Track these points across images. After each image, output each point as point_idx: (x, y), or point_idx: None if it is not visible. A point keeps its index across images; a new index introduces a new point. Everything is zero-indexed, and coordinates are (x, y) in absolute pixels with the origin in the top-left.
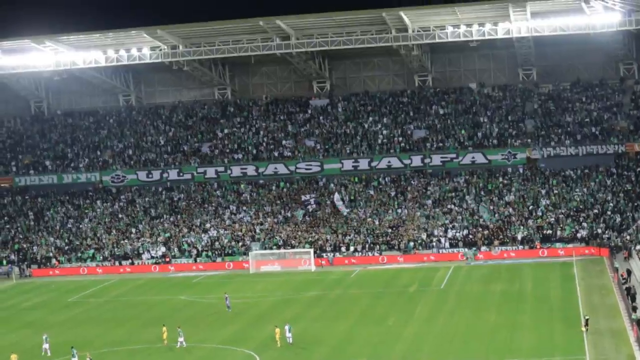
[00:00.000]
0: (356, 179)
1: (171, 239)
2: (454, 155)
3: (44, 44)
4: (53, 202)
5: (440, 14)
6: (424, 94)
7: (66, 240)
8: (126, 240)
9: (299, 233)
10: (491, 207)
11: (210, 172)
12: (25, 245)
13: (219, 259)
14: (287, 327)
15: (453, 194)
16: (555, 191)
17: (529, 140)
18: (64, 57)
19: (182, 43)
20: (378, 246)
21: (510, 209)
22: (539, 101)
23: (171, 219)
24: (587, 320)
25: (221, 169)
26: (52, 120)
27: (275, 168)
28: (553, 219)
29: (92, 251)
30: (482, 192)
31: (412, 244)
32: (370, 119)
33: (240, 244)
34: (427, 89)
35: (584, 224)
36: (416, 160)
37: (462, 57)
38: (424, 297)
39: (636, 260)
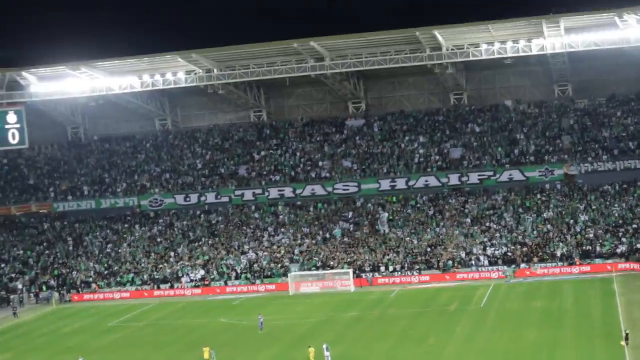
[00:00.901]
0: (394, 199)
1: (210, 262)
2: (491, 173)
3: (79, 70)
4: (91, 227)
5: (473, 31)
6: (460, 112)
7: (105, 265)
8: (165, 264)
9: (337, 253)
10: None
11: (248, 194)
12: (64, 271)
13: (257, 281)
14: (324, 346)
15: (491, 211)
16: (594, 207)
17: (566, 157)
18: (99, 82)
19: (217, 66)
20: (417, 265)
21: (549, 226)
22: (575, 117)
23: (209, 241)
24: (627, 334)
25: (258, 191)
26: (89, 145)
27: (313, 189)
28: (592, 235)
29: (131, 275)
30: (521, 209)
31: (450, 262)
32: (407, 138)
33: (279, 265)
34: (462, 107)
35: (623, 239)
36: (453, 179)
37: (496, 75)
38: (464, 316)
39: None
